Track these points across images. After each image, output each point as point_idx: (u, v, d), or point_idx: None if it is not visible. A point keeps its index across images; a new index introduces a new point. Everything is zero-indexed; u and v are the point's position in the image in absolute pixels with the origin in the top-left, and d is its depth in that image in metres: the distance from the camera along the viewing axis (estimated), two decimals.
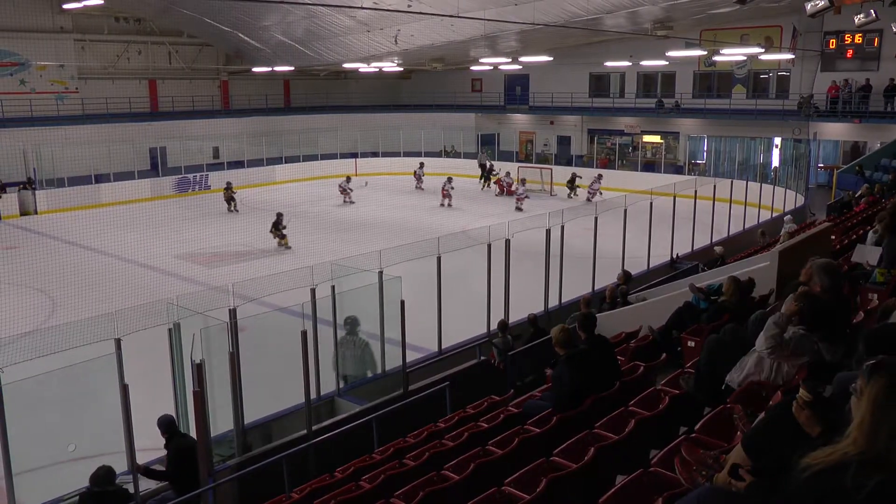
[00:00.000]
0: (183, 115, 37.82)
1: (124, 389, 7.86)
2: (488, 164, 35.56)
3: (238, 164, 36.46)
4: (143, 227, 25.63)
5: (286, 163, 37.80)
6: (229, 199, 29.61)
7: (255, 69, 37.34)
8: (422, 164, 34.82)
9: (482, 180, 35.08)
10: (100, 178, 31.99)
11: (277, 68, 35.53)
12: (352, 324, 10.75)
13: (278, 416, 9.90)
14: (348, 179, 31.97)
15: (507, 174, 33.59)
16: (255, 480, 7.94)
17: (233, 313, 9.16)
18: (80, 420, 10.94)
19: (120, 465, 8.00)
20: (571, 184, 31.51)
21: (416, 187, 34.07)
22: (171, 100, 38.34)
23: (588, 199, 28.98)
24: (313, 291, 9.90)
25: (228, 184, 29.88)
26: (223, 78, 40.79)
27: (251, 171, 36.05)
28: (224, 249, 21.83)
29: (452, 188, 30.29)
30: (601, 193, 29.11)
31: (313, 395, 9.60)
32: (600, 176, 30.74)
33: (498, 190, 33.27)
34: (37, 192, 30.37)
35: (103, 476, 7.23)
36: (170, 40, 38.14)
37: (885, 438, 2.25)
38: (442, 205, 29.98)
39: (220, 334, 8.86)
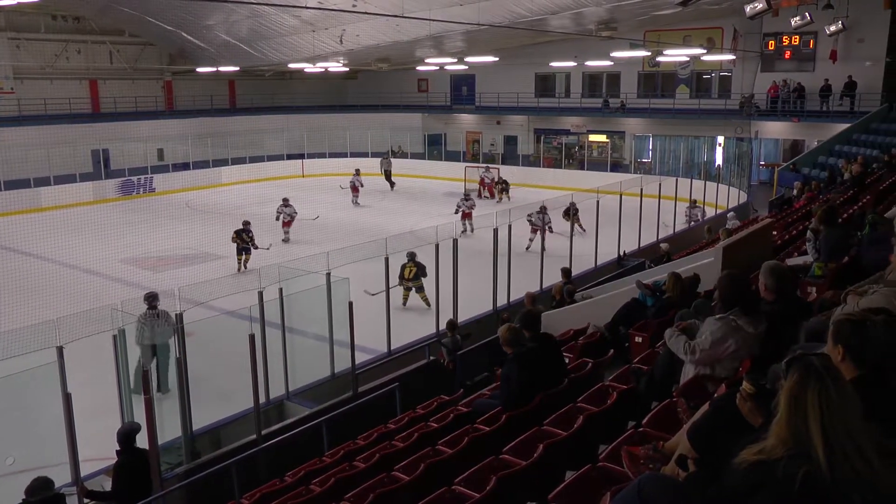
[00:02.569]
0: (126, 116, 37.05)
1: (67, 399, 7.69)
2: (391, 170, 35.55)
3: (183, 166, 35.90)
4: (86, 231, 25.07)
5: (232, 164, 37.31)
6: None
7: (200, 69, 36.74)
8: (357, 171, 31.57)
9: (390, 184, 34.92)
10: (39, 182, 31.13)
11: (222, 68, 35.04)
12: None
13: (227, 422, 9.78)
14: (357, 172, 30.91)
15: (487, 169, 33.61)
16: (204, 488, 7.83)
17: (179, 318, 9.02)
18: (19, 432, 10.66)
19: (63, 477, 7.82)
20: (501, 187, 31.10)
21: (354, 202, 30.63)
22: (114, 100, 37.50)
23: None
24: (261, 294, 9.83)
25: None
26: (167, 78, 40.08)
27: (197, 173, 35.51)
28: (170, 253, 21.48)
29: (362, 185, 30.39)
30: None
31: (262, 399, 9.50)
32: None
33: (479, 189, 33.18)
34: None
35: (39, 486, 6.96)
36: (111, 39, 37.33)
37: (804, 432, 2.31)
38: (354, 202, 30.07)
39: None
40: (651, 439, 4.11)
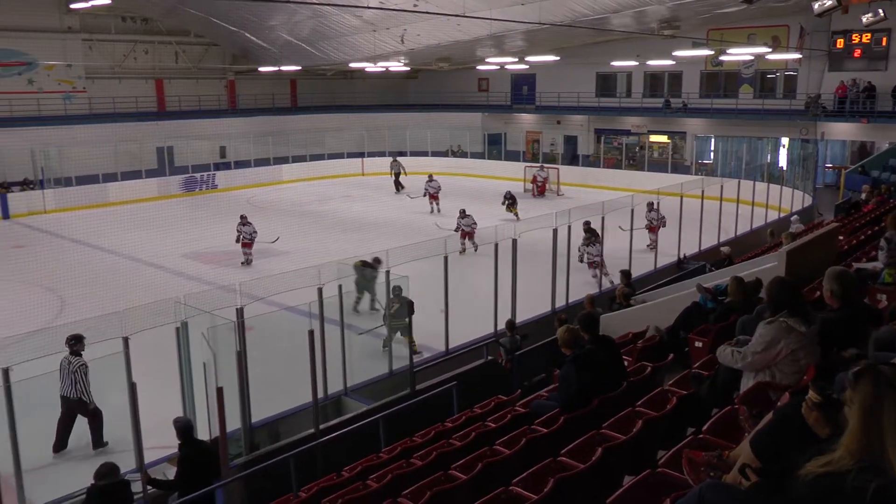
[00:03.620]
0: (190, 114, 37.95)
1: (132, 388, 7.89)
2: (402, 173, 35.02)
3: (245, 164, 36.56)
4: (151, 226, 25.70)
5: (293, 162, 37.87)
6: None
7: (262, 69, 37.37)
8: (431, 176, 29.57)
9: (397, 187, 34.39)
10: (107, 178, 32.08)
11: (284, 68, 35.56)
12: None
13: (285, 416, 9.92)
14: (431, 177, 28.89)
15: (541, 168, 33.49)
16: (262, 479, 7.96)
17: (240, 312, 9.18)
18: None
19: (128, 462, 8.04)
20: (509, 202, 27.15)
21: (434, 209, 28.34)
22: (178, 99, 38.45)
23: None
24: (320, 291, 9.91)
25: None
26: (230, 77, 40.86)
27: (258, 171, 36.20)
28: (231, 249, 21.83)
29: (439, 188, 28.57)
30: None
31: (320, 395, 9.62)
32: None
33: (529, 188, 33.10)
34: (42, 191, 30.58)
35: (107, 472, 7.26)
36: (176, 40, 38.22)
37: (878, 444, 2.25)
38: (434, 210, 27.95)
39: (228, 333, 8.89)
40: (712, 446, 4.05)
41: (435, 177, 29.31)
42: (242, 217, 20.84)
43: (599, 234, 16.63)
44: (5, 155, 30.48)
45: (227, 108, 40.57)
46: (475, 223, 21.71)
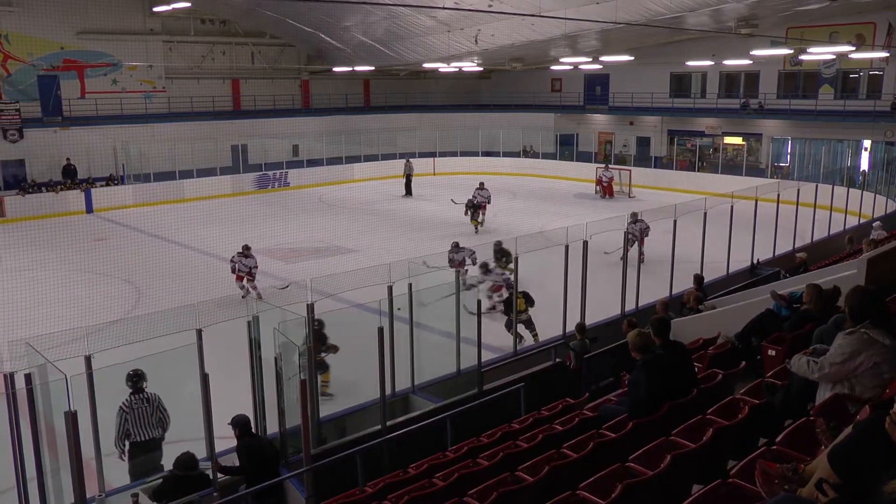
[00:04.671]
0: (264, 113, 38.77)
1: (205, 379, 8.07)
2: (412, 174, 34.93)
3: (317, 162, 37.14)
4: (224, 222, 26.32)
5: (365, 161, 38.33)
6: None
7: (336, 69, 37.91)
8: (481, 184, 26.26)
9: (407, 189, 34.27)
10: (183, 175, 33.04)
11: (358, 68, 35.99)
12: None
13: (353, 411, 10.05)
14: (481, 185, 26.01)
15: (606, 168, 33.21)
16: (329, 473, 8.07)
17: (310, 308, 9.33)
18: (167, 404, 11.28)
19: (199, 451, 8.26)
20: (473, 213, 25.04)
21: (478, 222, 25.52)
22: (253, 98, 39.26)
23: None
24: (390, 289, 9.99)
25: None
26: (304, 77, 41.54)
27: (330, 169, 36.79)
28: (302, 245, 22.23)
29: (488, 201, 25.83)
30: None
31: (388, 391, 9.72)
32: None
33: (599, 189, 32.84)
34: (124, 186, 31.68)
35: (186, 461, 7.54)
36: (253, 41, 39.04)
37: None
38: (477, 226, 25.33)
39: (298, 329, 9.05)
40: (786, 458, 3.97)
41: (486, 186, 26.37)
42: (245, 248, 18.17)
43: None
44: (91, 152, 31.66)
45: (301, 108, 41.26)
46: (489, 198, 24.43)
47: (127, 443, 8.68)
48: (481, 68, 38.02)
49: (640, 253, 18.40)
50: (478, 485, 5.52)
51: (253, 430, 8.40)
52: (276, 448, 8.38)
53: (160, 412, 8.97)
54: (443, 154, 40.57)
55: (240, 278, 17.94)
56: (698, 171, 34.67)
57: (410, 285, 10.25)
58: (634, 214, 19.10)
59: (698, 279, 13.61)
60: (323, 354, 11.54)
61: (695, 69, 36.37)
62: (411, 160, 35.45)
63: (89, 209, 30.27)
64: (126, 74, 35.11)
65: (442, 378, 10.85)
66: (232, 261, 18.08)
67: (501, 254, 18.93)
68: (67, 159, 31.52)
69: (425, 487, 6.10)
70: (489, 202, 25.69)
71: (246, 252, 18.04)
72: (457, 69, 34.80)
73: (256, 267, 18.09)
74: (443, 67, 33.94)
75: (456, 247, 18.31)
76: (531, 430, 7.25)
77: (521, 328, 13.36)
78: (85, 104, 33.75)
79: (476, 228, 24.26)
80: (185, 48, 36.76)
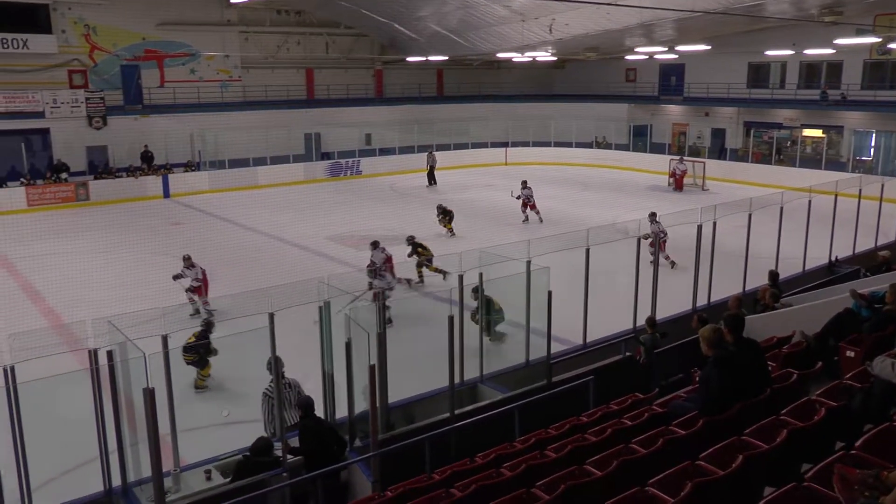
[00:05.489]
0: (338, 102, 39.21)
1: (276, 361, 8.26)
2: (436, 165, 34.65)
3: (389, 151, 37.43)
4: (297, 208, 26.78)
5: (437, 150, 38.47)
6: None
7: (409, 59, 38.09)
8: (525, 183, 25.47)
9: (430, 180, 34.11)
10: (257, 162, 33.74)
11: (431, 58, 36.09)
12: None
13: (421, 398, 10.15)
14: (525, 184, 25.18)
15: (681, 160, 32.68)
16: (396, 459, 8.18)
17: (381, 295, 9.45)
18: (234, 387, 11.64)
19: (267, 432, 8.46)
20: (446, 218, 22.97)
21: (524, 216, 25.02)
22: (327, 88, 39.73)
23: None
24: (461, 278, 10.04)
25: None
26: (377, 67, 41.85)
27: (402, 158, 37.08)
28: (372, 233, 22.41)
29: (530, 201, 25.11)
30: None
31: (457, 380, 9.78)
32: None
33: (672, 182, 32.36)
34: (200, 173, 32.61)
35: (263, 447, 7.80)
36: (327, 31, 39.46)
37: None
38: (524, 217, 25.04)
39: (368, 315, 9.18)
40: (867, 464, 3.88)
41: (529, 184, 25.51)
42: (186, 258, 16.19)
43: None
44: (169, 139, 32.58)
45: (374, 97, 41.61)
46: (531, 195, 24.31)
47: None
48: (555, 58, 37.71)
49: (666, 257, 17.68)
50: (545, 477, 5.54)
51: (317, 413, 8.55)
52: (336, 432, 8.52)
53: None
54: (515, 144, 40.44)
55: (194, 290, 16.01)
56: (775, 164, 33.77)
57: (481, 275, 10.29)
58: (653, 215, 18.42)
59: (773, 276, 13.30)
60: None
61: (774, 59, 35.36)
62: (434, 152, 35.42)
63: (166, 194, 31.19)
64: (203, 64, 36.02)
65: (510, 368, 10.87)
66: (179, 274, 16.03)
67: (443, 212, 21.19)
68: (145, 146, 32.49)
69: (492, 477, 6.14)
70: (531, 199, 24.93)
71: (189, 263, 16.11)
72: (530, 59, 34.60)
73: (199, 281, 16.00)
74: (516, 57, 33.78)
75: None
76: (600, 424, 7.22)
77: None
78: (164, 93, 34.79)
79: (450, 232, 22.61)
80: (260, 38, 37.40)
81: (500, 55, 34.62)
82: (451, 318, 9.30)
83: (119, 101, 33.53)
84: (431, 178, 33.96)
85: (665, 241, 17.80)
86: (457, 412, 9.29)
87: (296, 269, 18.26)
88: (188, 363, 11.65)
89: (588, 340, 11.86)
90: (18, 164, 30.16)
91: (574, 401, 9.25)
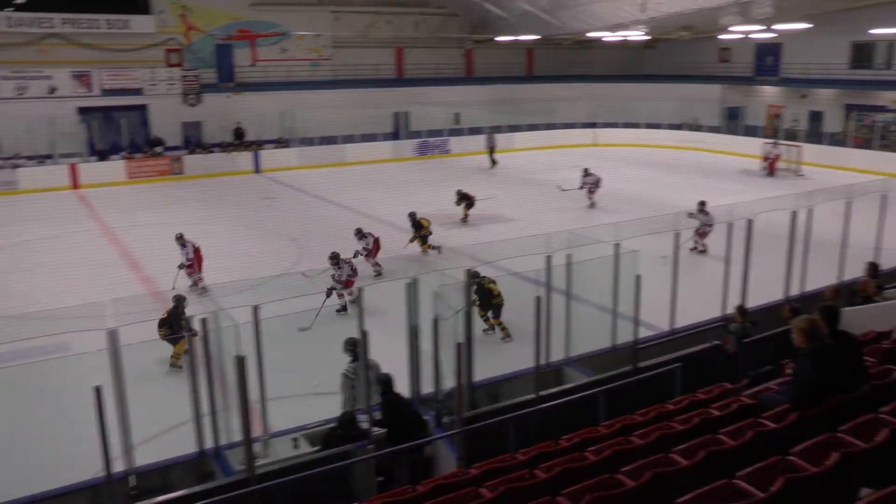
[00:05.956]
0: (427, 81, 39.33)
1: (364, 335, 8.39)
2: (496, 146, 34.02)
3: (478, 131, 37.40)
4: (384, 186, 27.09)
5: (526, 130, 38.26)
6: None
7: (499, 38, 37.90)
8: (586, 170, 24.93)
9: (491, 162, 33.57)
10: (346, 139, 34.29)
11: (521, 37, 35.81)
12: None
13: (506, 378, 10.20)
14: (586, 172, 24.71)
15: (775, 144, 31.73)
16: (480, 437, 8.25)
17: (468, 273, 9.51)
18: (322, 358, 11.91)
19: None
20: (464, 202, 22.60)
21: (589, 202, 24.42)
22: (417, 67, 39.93)
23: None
24: (549, 259, 10.01)
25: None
26: (467, 47, 41.77)
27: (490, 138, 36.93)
28: (459, 212, 22.51)
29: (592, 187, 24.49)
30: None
31: (542, 361, 9.79)
32: None
33: (765, 166, 31.48)
34: (290, 149, 33.38)
35: (348, 420, 8.07)
36: (417, 11, 39.55)
37: None
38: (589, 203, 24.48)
39: (455, 293, 9.26)
40: None
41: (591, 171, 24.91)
42: (178, 237, 16.12)
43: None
44: (260, 116, 33.37)
45: (464, 76, 41.59)
46: (598, 182, 23.98)
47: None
48: (647, 37, 36.90)
49: (698, 244, 18.21)
50: (630, 463, 5.51)
51: (396, 389, 8.73)
52: (415, 410, 8.66)
53: None
54: (605, 125, 39.91)
55: (190, 268, 15.96)
56: (877, 149, 32.35)
57: (570, 256, 10.24)
58: (702, 204, 18.45)
59: (873, 267, 12.80)
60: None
61: (880, 37, 33.65)
62: (495, 134, 34.96)
63: (257, 169, 32.01)
64: (294, 43, 36.76)
65: (596, 352, 10.81)
66: (187, 256, 15.91)
67: (462, 198, 21.07)
68: (237, 122, 33.39)
69: (577, 460, 6.13)
70: (598, 186, 24.38)
71: (181, 242, 16.06)
72: (621, 38, 33.97)
73: (191, 261, 15.96)
74: (607, 36, 33.26)
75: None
76: (686, 413, 7.13)
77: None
78: (255, 71, 35.74)
79: (466, 218, 22.19)
80: (350, 18, 37.75)
81: (591, 34, 34.11)
82: (537, 299, 9.30)
83: (213, 79, 34.62)
84: (492, 160, 33.70)
85: (707, 233, 18.05)
86: (541, 394, 9.31)
87: (384, 247, 18.56)
88: (162, 338, 11.62)
89: (675, 326, 11.70)
90: (119, 138, 31.63)
91: (660, 388, 9.15)
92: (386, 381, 8.59)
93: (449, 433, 8.30)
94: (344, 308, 14.31)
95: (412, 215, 18.52)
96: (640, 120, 39.44)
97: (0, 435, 8.95)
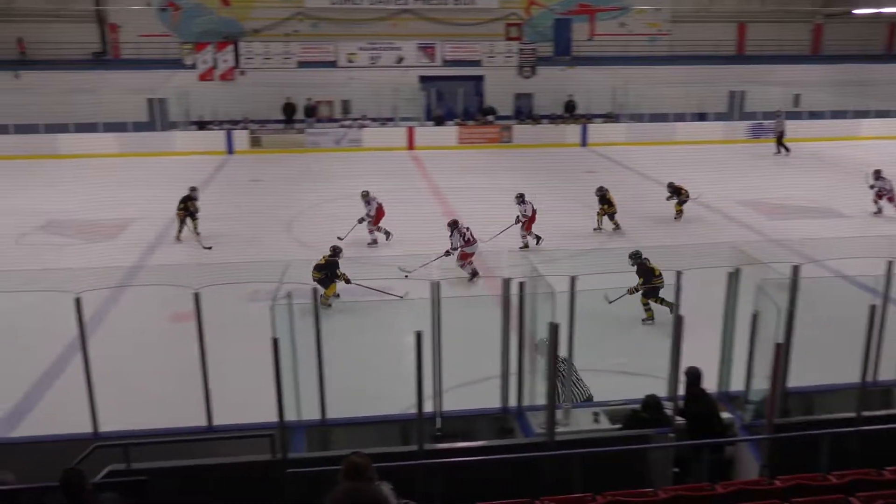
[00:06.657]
0: (767, 59, 37.03)
1: (553, 328, 7.48)
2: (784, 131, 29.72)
3: (819, 115, 34.30)
4: (709, 168, 25.96)
5: (875, 117, 34.31)
6: None
7: (857, 11, 34.34)
8: (879, 174, 19.77)
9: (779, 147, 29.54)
10: (676, 118, 33.35)
11: (885, 10, 32.10)
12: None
13: (820, 390, 9.35)
14: (878, 174, 19.69)
15: None
16: (787, 448, 7.67)
17: (795, 270, 8.79)
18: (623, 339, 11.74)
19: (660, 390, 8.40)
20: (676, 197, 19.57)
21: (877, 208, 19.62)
22: (759, 43, 37.73)
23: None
24: (890, 263, 8.92)
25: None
26: (817, 21, 38.53)
27: (832, 123, 33.69)
28: (789, 202, 20.96)
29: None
30: None
31: (868, 378, 8.81)
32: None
33: None
34: (618, 124, 33.33)
35: (652, 404, 7.91)
36: None
37: None
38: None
39: (779, 291, 8.59)
40: None
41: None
42: (364, 194, 17.62)
43: None
44: (592, 90, 33.60)
45: (808, 55, 38.48)
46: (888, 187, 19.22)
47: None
48: None
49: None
50: None
51: (703, 385, 8.32)
52: (714, 409, 8.22)
53: None
54: None
55: (374, 222, 17.44)
56: None
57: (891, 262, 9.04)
58: (878, 171, 18.28)
59: None
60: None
61: None
62: (784, 119, 30.66)
63: (584, 143, 32.25)
64: (633, 17, 36.49)
65: None
66: (368, 213, 17.35)
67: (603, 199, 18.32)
68: (570, 95, 33.84)
69: None
70: (892, 193, 19.20)
71: (366, 199, 17.52)
72: None
73: (373, 215, 17.37)
74: None
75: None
76: None
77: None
78: (592, 45, 36.10)
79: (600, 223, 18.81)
80: None
81: None
82: (872, 308, 8.36)
83: (549, 53, 35.52)
84: (781, 146, 30.27)
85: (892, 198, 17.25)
86: (863, 413, 8.40)
87: (700, 232, 17.91)
88: (314, 280, 12.72)
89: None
90: (454, 106, 33.94)
91: None
92: (694, 375, 8.30)
93: (756, 437, 7.82)
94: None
95: (454, 223, 15.20)
96: None
97: (342, 359, 9.89)
